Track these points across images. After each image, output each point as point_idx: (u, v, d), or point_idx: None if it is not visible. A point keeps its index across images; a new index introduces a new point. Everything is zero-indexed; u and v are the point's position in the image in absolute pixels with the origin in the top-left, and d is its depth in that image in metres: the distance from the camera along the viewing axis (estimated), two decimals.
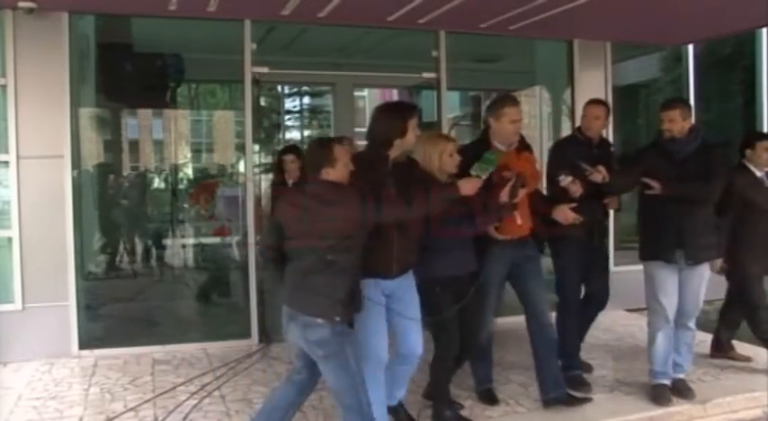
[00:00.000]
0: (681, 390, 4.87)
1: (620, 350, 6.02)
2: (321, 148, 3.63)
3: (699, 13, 6.26)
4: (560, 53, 7.70)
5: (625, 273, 7.32)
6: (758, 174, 5.43)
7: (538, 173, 4.73)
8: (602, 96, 7.04)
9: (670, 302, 4.76)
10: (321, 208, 3.47)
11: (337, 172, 3.54)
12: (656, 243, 4.77)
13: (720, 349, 5.84)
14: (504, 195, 4.11)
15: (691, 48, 8.37)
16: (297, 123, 15.56)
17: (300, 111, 15.35)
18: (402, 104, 4.37)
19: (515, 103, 4.50)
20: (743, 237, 5.32)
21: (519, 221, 4.39)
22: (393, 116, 3.85)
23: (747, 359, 5.72)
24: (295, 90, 14.69)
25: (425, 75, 7.20)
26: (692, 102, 8.21)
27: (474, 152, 4.17)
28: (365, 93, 15.71)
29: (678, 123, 4.67)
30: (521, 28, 6.71)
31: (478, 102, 11.94)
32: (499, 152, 4.27)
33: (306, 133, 15.51)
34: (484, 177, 3.91)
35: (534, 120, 9.07)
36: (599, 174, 4.64)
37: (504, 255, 4.46)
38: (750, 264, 5.35)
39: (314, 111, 15.22)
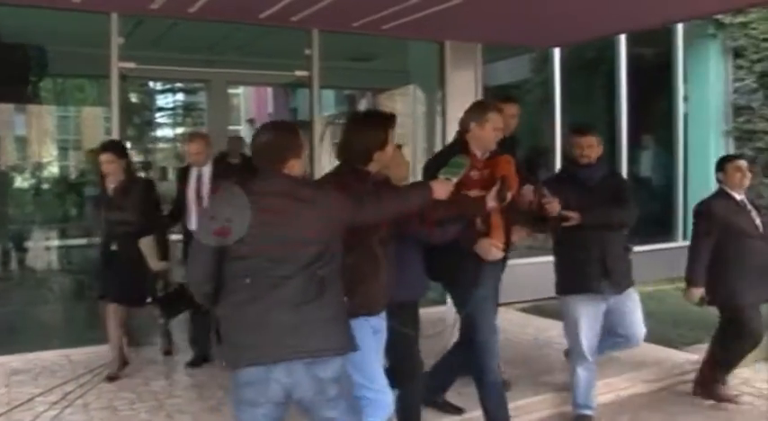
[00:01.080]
0: None
1: None
2: (289, 133, 2.95)
3: (562, 18, 6.48)
4: (433, 53, 7.83)
5: None
6: (738, 197, 5.12)
7: (516, 177, 4.19)
8: (472, 97, 7.21)
9: (590, 339, 4.64)
10: (302, 209, 2.78)
11: (301, 163, 2.94)
12: (580, 275, 4.56)
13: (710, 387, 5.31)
14: (490, 199, 3.75)
15: (557, 51, 8.66)
16: (169, 121, 15.18)
17: (173, 109, 14.99)
18: (380, 113, 3.81)
19: (499, 109, 4.25)
20: (731, 265, 4.97)
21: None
22: (372, 126, 3.43)
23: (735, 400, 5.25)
24: (168, 87, 14.33)
25: (298, 73, 7.15)
26: (558, 104, 8.56)
27: (450, 157, 3.83)
28: (240, 90, 15.46)
29: (595, 149, 4.59)
30: (393, 28, 6.76)
31: (353, 100, 12.00)
32: (467, 158, 3.90)
33: (178, 131, 15.16)
34: (455, 180, 3.59)
35: (408, 119, 9.19)
36: (556, 205, 4.35)
37: (494, 273, 4.23)
38: (744, 292, 4.96)
39: (187, 108, 14.89)
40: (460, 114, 4.36)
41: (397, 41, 7.77)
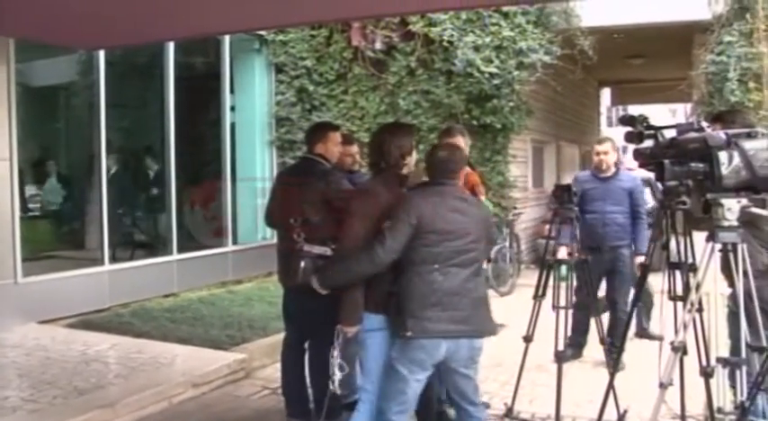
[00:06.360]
0: None
1: (29, 366, 5.69)
2: (459, 151, 3.84)
3: (101, 20, 6.21)
4: None
5: (36, 283, 7.02)
6: None
7: None
8: (4, 96, 6.62)
9: None
10: (472, 209, 3.57)
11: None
12: None
13: None
14: None
15: (102, 53, 8.28)
16: None
17: None
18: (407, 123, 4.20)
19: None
20: None
21: None
22: (405, 134, 3.82)
23: None
24: None
25: None
26: (102, 108, 8.19)
27: None
28: None
29: None
30: None
31: None
32: None
33: None
34: None
35: None
36: None
37: None
38: None
39: None
40: None
41: None
